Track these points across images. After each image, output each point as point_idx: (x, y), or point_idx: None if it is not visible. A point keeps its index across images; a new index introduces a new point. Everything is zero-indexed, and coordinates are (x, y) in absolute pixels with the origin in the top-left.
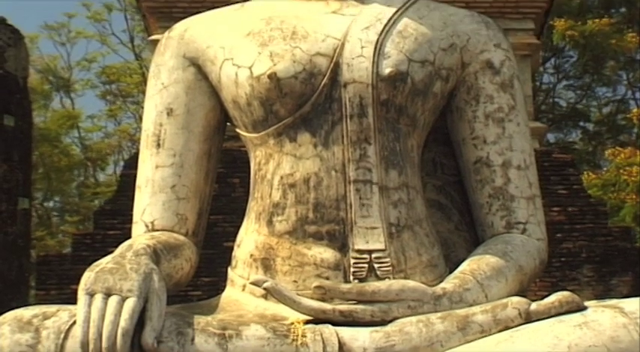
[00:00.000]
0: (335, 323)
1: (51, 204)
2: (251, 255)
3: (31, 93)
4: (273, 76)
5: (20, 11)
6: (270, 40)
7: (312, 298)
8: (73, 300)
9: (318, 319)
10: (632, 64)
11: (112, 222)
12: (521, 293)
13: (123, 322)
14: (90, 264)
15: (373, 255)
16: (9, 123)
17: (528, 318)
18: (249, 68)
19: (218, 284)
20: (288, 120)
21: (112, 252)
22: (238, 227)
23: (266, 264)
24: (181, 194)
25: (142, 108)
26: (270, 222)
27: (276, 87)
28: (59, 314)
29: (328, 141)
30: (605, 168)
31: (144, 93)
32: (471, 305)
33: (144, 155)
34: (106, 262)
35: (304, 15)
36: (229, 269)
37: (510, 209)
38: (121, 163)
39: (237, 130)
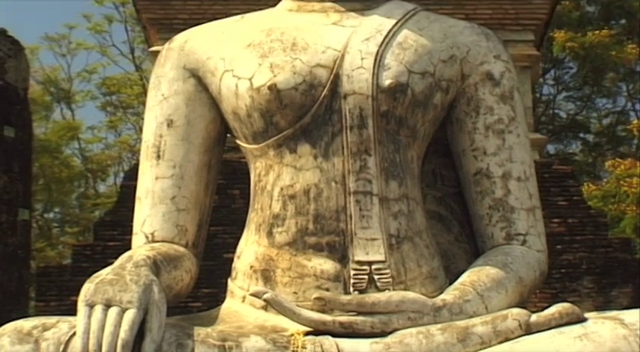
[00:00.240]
0: (335, 335)
1: (51, 215)
2: (251, 267)
3: (32, 105)
4: (273, 88)
5: (21, 22)
6: (271, 51)
7: (312, 309)
8: (72, 311)
9: (318, 330)
10: (632, 75)
11: (112, 233)
12: (521, 304)
13: (123, 333)
14: (90, 275)
15: (373, 267)
16: (9, 135)
17: (528, 330)
18: (250, 79)
19: (218, 296)
20: (288, 132)
21: (112, 263)
22: (238, 238)
23: (266, 275)
24: (181, 205)
25: (143, 119)
26: (270, 234)
27: (277, 98)
28: (59, 326)
29: (328, 153)
30: (605, 180)
31: (144, 104)
32: (471, 317)
33: (144, 166)
34: (105, 273)
35: (304, 26)
36: (229, 280)
37: (510, 220)
38: (121, 174)
39: (238, 141)
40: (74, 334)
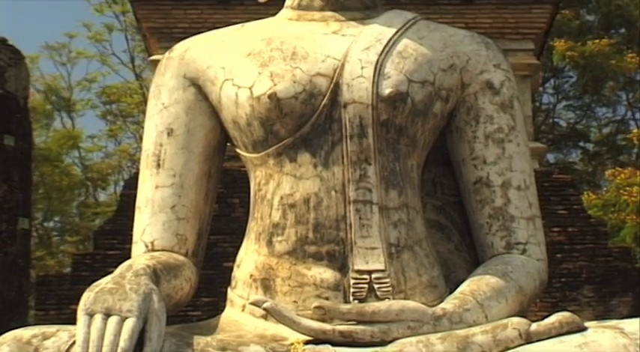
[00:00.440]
0: (335, 344)
1: (51, 223)
2: (251, 276)
3: (32, 113)
4: (273, 97)
5: (21, 31)
6: (271, 60)
7: (311, 318)
8: (72, 320)
9: (318, 339)
10: (631, 84)
11: (112, 242)
12: (521, 313)
13: (122, 342)
14: (90, 284)
15: (373, 276)
16: (9, 143)
17: (529, 339)
18: (250, 88)
19: (218, 305)
20: (288, 141)
21: (111, 272)
22: (238, 247)
23: (266, 284)
24: (181, 214)
25: (143, 128)
26: (269, 243)
27: (277, 107)
28: (59, 335)
29: (328, 162)
30: (605, 189)
31: (144, 113)
32: (471, 326)
33: (144, 175)
34: (105, 282)
35: (304, 35)
36: (229, 289)
37: (510, 229)
38: (121, 183)
39: (237, 150)
40: (74, 343)
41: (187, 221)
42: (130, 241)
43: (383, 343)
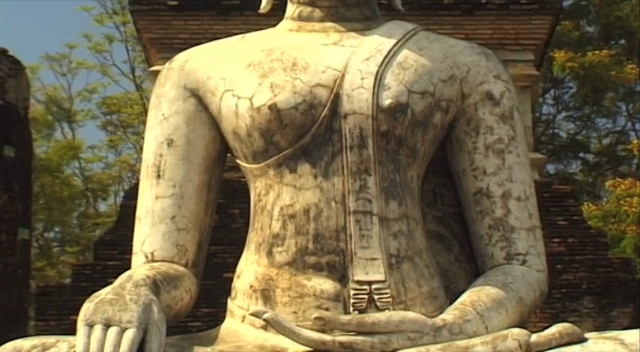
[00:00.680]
0: None
1: (51, 234)
2: (251, 286)
3: (34, 124)
4: (273, 107)
5: (21, 42)
6: (271, 71)
7: (312, 329)
8: (72, 331)
9: (318, 350)
10: (631, 95)
11: (112, 252)
12: (521, 324)
13: None
14: (90, 294)
15: (373, 286)
16: (9, 154)
17: (529, 350)
18: (250, 99)
19: (218, 315)
20: (288, 151)
21: (111, 282)
22: (238, 258)
23: (266, 294)
24: (181, 225)
25: (143, 138)
26: (270, 253)
27: (277, 118)
28: (58, 345)
29: (328, 172)
30: (605, 199)
31: (144, 123)
32: (471, 337)
33: (144, 186)
34: (105, 293)
35: (305, 46)
36: (229, 300)
37: (510, 240)
38: (121, 194)
39: (237, 161)
40: None
41: (187, 231)
42: (130, 252)
43: None
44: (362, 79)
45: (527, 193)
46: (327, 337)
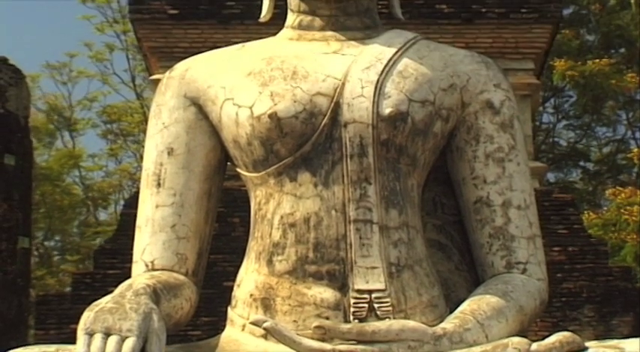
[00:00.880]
0: None
1: (52, 243)
2: (251, 295)
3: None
4: (273, 116)
5: (22, 51)
6: (271, 79)
7: (312, 338)
8: (72, 340)
9: None
10: (631, 103)
11: (112, 261)
12: (521, 333)
13: None
14: (90, 303)
15: (373, 295)
16: (10, 163)
17: None
18: (250, 108)
19: (218, 324)
20: (288, 160)
21: (111, 291)
22: (238, 266)
23: (266, 303)
24: (181, 233)
25: (143, 147)
26: (270, 262)
27: (277, 126)
28: None
29: (328, 181)
30: (605, 208)
31: (145, 132)
32: (471, 346)
33: (144, 194)
34: (105, 302)
35: (305, 55)
36: (229, 308)
37: (511, 249)
38: (122, 202)
39: (238, 170)
40: None
41: (187, 240)
42: (130, 260)
43: None
44: (362, 87)
45: (527, 202)
46: (327, 346)
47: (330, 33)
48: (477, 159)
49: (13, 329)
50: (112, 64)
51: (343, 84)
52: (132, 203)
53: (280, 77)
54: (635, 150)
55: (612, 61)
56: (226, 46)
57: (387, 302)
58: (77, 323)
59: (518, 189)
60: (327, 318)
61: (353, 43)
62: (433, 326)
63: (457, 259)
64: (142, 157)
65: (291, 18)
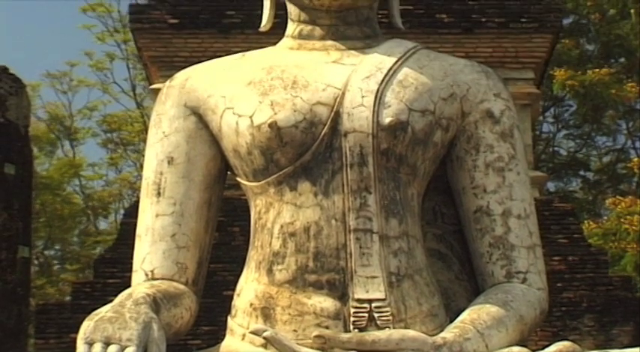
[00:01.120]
0: None
1: (52, 252)
2: (251, 304)
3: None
4: (273, 125)
5: (22, 60)
6: (271, 89)
7: (312, 347)
8: (72, 349)
9: None
10: (631, 113)
11: (112, 270)
12: (521, 342)
13: None
14: (89, 312)
15: (373, 305)
16: (10, 172)
17: None
18: (250, 117)
19: (217, 334)
20: (288, 169)
21: (111, 300)
22: (238, 276)
23: (266, 313)
24: (181, 243)
25: (143, 156)
26: (270, 271)
27: (277, 136)
28: None
29: (328, 190)
30: (605, 217)
31: (145, 141)
32: None
33: (144, 203)
34: (105, 311)
35: (305, 64)
36: (229, 318)
37: (511, 258)
38: (122, 211)
39: (238, 179)
40: None
41: (187, 249)
42: (130, 270)
43: None
44: (362, 97)
45: (527, 211)
46: None
47: (330, 42)
48: (477, 169)
49: (13, 338)
50: (112, 73)
51: (343, 93)
52: (132, 212)
53: (280, 86)
54: (635, 159)
55: (612, 71)
56: (226, 55)
57: (387, 311)
58: (77, 332)
59: (518, 199)
60: (327, 328)
61: (353, 52)
62: (433, 335)
63: (457, 268)
64: (142, 166)
65: (292, 27)
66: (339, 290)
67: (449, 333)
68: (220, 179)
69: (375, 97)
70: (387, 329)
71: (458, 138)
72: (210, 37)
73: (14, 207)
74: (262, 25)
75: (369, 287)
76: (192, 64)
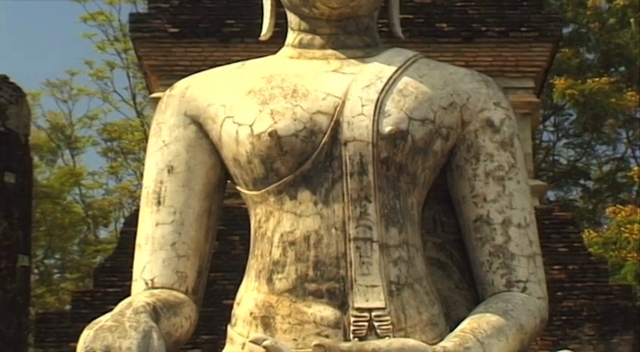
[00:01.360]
0: None
1: (52, 261)
2: (251, 313)
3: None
4: (273, 134)
5: (22, 69)
6: (271, 98)
7: None
8: None
9: None
10: (631, 122)
11: (112, 279)
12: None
13: None
14: (89, 321)
15: (373, 313)
16: (10, 180)
17: None
18: (250, 126)
19: (217, 342)
20: (288, 178)
21: (111, 309)
22: (238, 284)
23: (266, 322)
24: (181, 251)
25: (143, 165)
26: (270, 280)
27: (277, 145)
28: None
29: (328, 199)
30: (605, 226)
31: (145, 150)
32: None
33: (144, 212)
34: (105, 320)
35: (305, 73)
36: (229, 327)
37: (511, 267)
38: (122, 220)
39: (238, 188)
40: None
41: (187, 258)
42: (130, 278)
43: None
44: (362, 106)
45: (527, 220)
46: None
47: (330, 51)
48: (477, 178)
49: (13, 347)
50: (112, 81)
51: (343, 102)
52: (132, 221)
53: (280, 95)
54: (635, 168)
55: (612, 80)
56: (226, 64)
57: (387, 320)
58: (77, 341)
59: (518, 208)
60: (327, 336)
61: (353, 61)
62: (433, 344)
63: (457, 277)
64: (142, 175)
65: (292, 36)
66: (339, 299)
67: (449, 342)
68: (220, 188)
69: (375, 106)
70: (387, 338)
71: (458, 147)
72: (211, 46)
73: (14, 215)
74: (262, 34)
75: (369, 296)
76: (193, 73)
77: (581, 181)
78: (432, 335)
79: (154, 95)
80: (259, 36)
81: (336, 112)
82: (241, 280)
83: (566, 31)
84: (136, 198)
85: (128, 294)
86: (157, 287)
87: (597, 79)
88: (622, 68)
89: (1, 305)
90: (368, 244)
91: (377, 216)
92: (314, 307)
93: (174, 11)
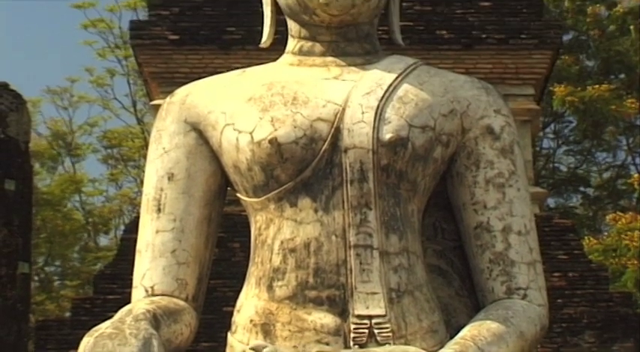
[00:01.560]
0: None
1: (52, 268)
2: (251, 320)
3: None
4: (274, 141)
5: (23, 76)
6: (271, 105)
7: None
8: None
9: None
10: (631, 129)
11: (112, 286)
12: None
13: None
14: (89, 328)
15: (373, 321)
16: (10, 188)
17: None
18: (250, 133)
19: (217, 350)
20: (288, 185)
21: (111, 316)
22: (238, 292)
23: (266, 329)
24: (181, 259)
25: (144, 172)
26: (270, 287)
27: (277, 152)
28: None
29: (329, 206)
30: (605, 233)
31: (145, 157)
32: None
33: (144, 219)
34: (105, 327)
35: (305, 80)
36: (229, 334)
37: (511, 274)
38: (122, 227)
39: (238, 195)
40: None
41: (188, 265)
42: (130, 285)
43: None
44: (362, 113)
45: (527, 227)
46: None
47: (330, 58)
48: (477, 185)
49: None
50: (112, 89)
51: (343, 109)
52: (132, 228)
53: (281, 102)
54: (636, 175)
55: (612, 87)
56: (227, 71)
57: (387, 327)
58: (77, 348)
59: (518, 215)
60: (327, 344)
61: (353, 68)
62: None
63: (457, 285)
64: (142, 182)
65: (292, 43)
66: (340, 307)
67: (449, 349)
68: (220, 195)
69: (376, 113)
70: (387, 345)
71: (458, 154)
72: (211, 53)
73: (14, 223)
74: (263, 41)
75: (370, 304)
76: (193, 80)
77: (582, 188)
78: (432, 342)
79: (154, 102)
80: (260, 43)
81: (337, 119)
82: (241, 287)
83: (566, 38)
84: (136, 206)
85: (128, 301)
86: (157, 295)
87: (597, 86)
88: (622, 75)
89: (1, 313)
90: (368, 251)
91: (377, 224)
92: (314, 314)
93: (174, 18)
